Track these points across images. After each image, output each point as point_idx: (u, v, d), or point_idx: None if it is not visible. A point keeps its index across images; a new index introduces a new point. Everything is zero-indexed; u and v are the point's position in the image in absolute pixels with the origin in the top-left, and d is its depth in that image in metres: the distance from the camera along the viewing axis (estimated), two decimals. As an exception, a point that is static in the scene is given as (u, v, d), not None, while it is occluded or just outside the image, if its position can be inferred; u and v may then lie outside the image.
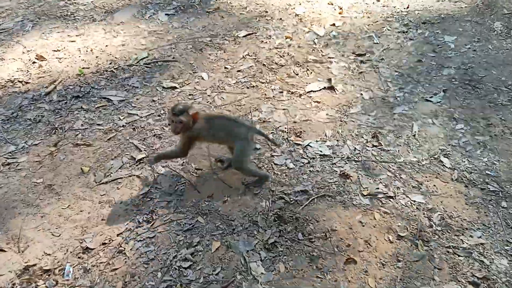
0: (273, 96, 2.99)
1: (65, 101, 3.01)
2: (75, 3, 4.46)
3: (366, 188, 2.29)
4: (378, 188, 2.28)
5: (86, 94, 3.08)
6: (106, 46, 3.65)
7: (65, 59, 3.48)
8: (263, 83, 3.13)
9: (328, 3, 4.15)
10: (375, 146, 2.56)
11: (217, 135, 2.24)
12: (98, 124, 2.80)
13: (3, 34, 3.92)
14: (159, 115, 2.86)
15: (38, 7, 4.44)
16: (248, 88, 3.09)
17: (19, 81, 3.25)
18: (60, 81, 3.20)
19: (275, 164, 2.45)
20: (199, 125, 2.17)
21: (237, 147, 2.21)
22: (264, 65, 3.32)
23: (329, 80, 3.13)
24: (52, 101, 3.02)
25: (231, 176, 2.39)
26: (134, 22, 4.00)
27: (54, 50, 3.59)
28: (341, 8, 4.06)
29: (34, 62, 3.47)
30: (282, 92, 3.03)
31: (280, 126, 2.72)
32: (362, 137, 2.63)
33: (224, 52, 3.51)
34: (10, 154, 2.59)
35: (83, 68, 3.36)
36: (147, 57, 3.47)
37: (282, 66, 3.31)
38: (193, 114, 2.13)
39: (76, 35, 3.82)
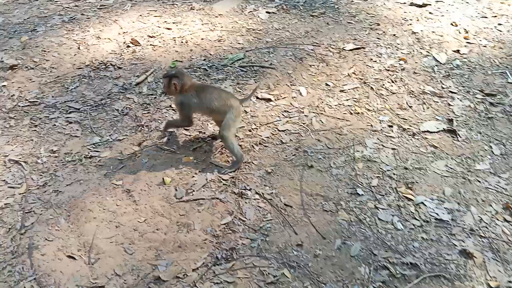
0: (381, 130, 2.58)
1: (154, 96, 2.84)
2: (175, -14, 4.32)
3: (494, 277, 1.83)
4: (511, 282, 1.82)
5: (176, 91, 2.89)
6: (202, 39, 3.44)
7: (159, 47, 3.33)
8: (369, 110, 2.72)
9: (452, 24, 3.58)
10: (508, 221, 2.07)
11: (209, 104, 2.30)
12: (186, 129, 2.59)
13: (103, 11, 3.88)
14: (250, 130, 2.58)
15: (139, -15, 4.37)
16: (351, 114, 2.70)
17: (111, 65, 3.15)
18: (151, 72, 3.05)
19: (379, 219, 2.06)
20: (190, 93, 2.29)
21: (228, 116, 2.26)
22: (372, 88, 2.90)
23: (450, 121, 2.64)
24: (142, 93, 2.87)
25: (324, 224, 2.05)
26: (233, 16, 3.75)
27: (150, 36, 3.45)
28: (467, 32, 3.48)
29: (128, 46, 3.36)
30: (391, 126, 2.61)
31: (388, 171, 2.31)
32: (491, 205, 2.14)
33: (327, 65, 3.14)
34: (93, 146, 2.47)
35: (176, 61, 3.18)
36: (243, 58, 3.20)
37: (393, 93, 2.87)
38: (182, 82, 2.27)
39: (173, 22, 3.66)
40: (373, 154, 2.40)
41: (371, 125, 2.61)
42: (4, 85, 2.92)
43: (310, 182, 2.24)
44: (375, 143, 2.48)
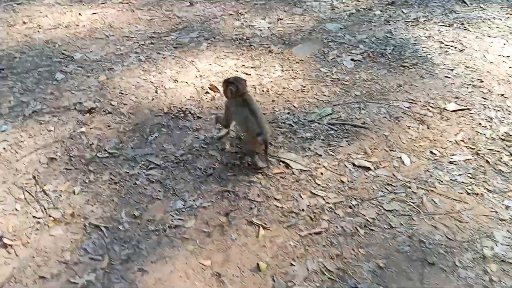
0: (510, 219, 2.19)
1: (239, 155, 2.60)
2: (251, 26, 4.16)
3: None
4: None
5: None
6: (284, 88, 3.21)
7: (239, 96, 3.13)
8: (490, 191, 2.34)
9: None
10: None
11: (237, 120, 2.53)
12: (276, 199, 2.31)
13: (178, 50, 3.76)
14: (350, 206, 2.27)
15: (213, 23, 4.25)
16: (468, 194, 2.32)
17: (190, 113, 2.97)
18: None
19: None
20: (232, 103, 2.49)
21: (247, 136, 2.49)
22: (487, 162, 2.52)
23: None
24: (225, 150, 2.65)
25: None
26: (314, 62, 3.51)
27: (229, 82, 3.27)
28: None
29: (207, 92, 3.18)
30: (521, 214, 2.21)
31: (527, 278, 1.92)
32: None
33: (428, 128, 2.79)
34: (176, 213, 2.24)
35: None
36: (331, 114, 2.92)
37: (515, 170, 2.48)
38: (231, 90, 2.43)
39: (251, 67, 3.47)
40: (507, 252, 2.01)
41: (496, 212, 2.22)
42: (83, 132, 2.79)
43: (433, 284, 1.88)
44: (506, 237, 2.09)
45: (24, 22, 4.40)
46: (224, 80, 2.53)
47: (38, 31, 4.17)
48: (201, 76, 3.38)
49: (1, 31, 4.23)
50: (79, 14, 4.57)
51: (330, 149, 2.64)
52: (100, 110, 2.99)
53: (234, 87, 2.41)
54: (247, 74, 3.37)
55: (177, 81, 3.31)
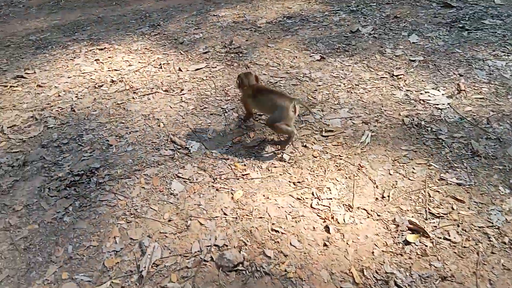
0: None
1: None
2: (421, 100, 2.99)
3: None
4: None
5: None
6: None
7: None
8: None
9: None
10: None
11: (262, 107, 2.69)
12: None
13: (330, 140, 2.66)
14: None
15: (364, 92, 3.13)
16: None
17: (396, 284, 1.84)
18: None
19: None
20: (248, 93, 2.71)
21: (277, 110, 2.51)
22: None
23: None
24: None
25: None
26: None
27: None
28: None
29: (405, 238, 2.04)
30: None
31: None
32: None
33: None
34: None
35: None
36: None
37: None
38: (243, 84, 2.73)
39: (465, 191, 2.29)
40: None
41: None
42: None
43: None
44: None
45: (112, 81, 3.51)
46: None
47: (133, 98, 3.25)
48: (384, 197, 2.25)
49: (85, 95, 3.35)
50: (179, 70, 3.63)
51: None
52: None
53: (240, 80, 2.75)
54: (461, 201, 2.20)
55: (351, 208, 2.21)
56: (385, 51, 3.69)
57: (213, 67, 3.66)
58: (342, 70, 3.46)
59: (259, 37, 4.15)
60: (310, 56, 3.71)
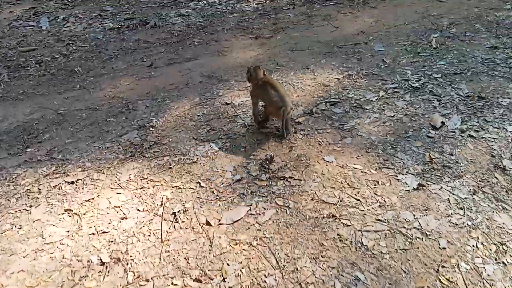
0: None
1: None
2: None
3: None
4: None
5: None
6: None
7: None
8: None
9: None
10: None
11: (263, 98, 3.05)
12: None
13: None
14: None
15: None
16: None
17: None
18: None
19: None
20: (254, 86, 3.12)
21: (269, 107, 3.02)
22: None
23: None
24: None
25: None
26: None
27: None
28: None
29: None
30: None
31: None
32: None
33: None
34: None
35: None
36: None
37: None
38: (250, 77, 3.14)
39: None
40: None
41: None
42: None
43: None
44: None
45: (102, 262, 2.17)
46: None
47: None
48: None
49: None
50: (206, 223, 2.36)
51: None
52: None
53: (249, 73, 3.14)
54: None
55: None
56: (503, 164, 2.61)
57: (259, 214, 2.41)
58: (462, 209, 2.33)
59: (306, 144, 2.97)
60: (398, 180, 2.57)
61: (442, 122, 3.03)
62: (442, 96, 3.35)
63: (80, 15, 5.74)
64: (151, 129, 3.32)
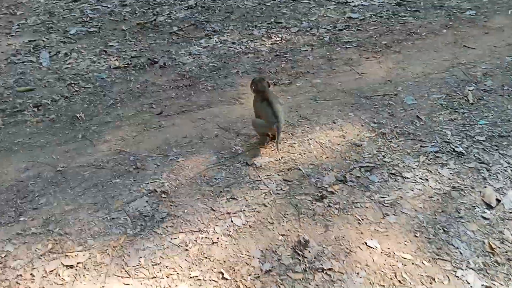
0: None
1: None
2: None
3: None
4: None
5: None
6: None
7: None
8: None
9: None
10: None
11: (259, 110, 3.27)
12: None
13: None
14: None
15: None
16: None
17: None
18: None
19: None
20: (257, 98, 3.29)
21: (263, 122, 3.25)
22: None
23: None
24: None
25: None
26: None
27: None
28: None
29: None
30: None
31: None
32: None
33: None
34: None
35: None
36: None
37: None
38: (254, 89, 3.31)
39: None
40: None
41: None
42: None
43: None
44: None
45: None
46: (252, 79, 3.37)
47: None
48: None
49: None
50: None
51: None
52: None
53: (254, 85, 3.28)
54: None
55: None
56: None
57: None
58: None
59: (343, 222, 2.60)
60: (458, 278, 2.20)
61: (498, 200, 2.69)
62: (491, 164, 3.01)
63: (83, 50, 5.42)
64: (163, 195, 2.94)
